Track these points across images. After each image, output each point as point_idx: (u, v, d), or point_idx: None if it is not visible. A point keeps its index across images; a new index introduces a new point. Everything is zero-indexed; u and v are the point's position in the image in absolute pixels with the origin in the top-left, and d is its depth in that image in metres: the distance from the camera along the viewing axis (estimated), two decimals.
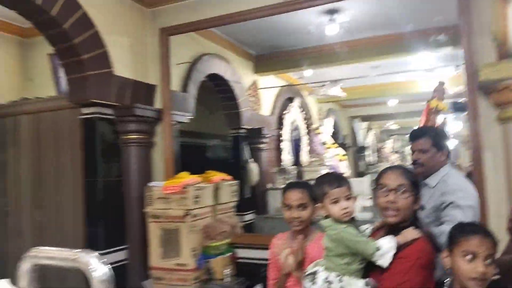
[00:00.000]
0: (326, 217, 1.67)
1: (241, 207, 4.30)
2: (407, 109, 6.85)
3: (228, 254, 3.31)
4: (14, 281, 1.11)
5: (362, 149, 7.94)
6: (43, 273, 1.14)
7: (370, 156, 8.22)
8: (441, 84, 3.40)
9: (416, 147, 2.27)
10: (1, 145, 3.91)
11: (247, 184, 4.96)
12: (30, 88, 4.42)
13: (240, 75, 4.96)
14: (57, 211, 3.54)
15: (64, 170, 3.55)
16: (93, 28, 3.23)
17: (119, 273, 3.35)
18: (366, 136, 8.34)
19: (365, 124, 8.29)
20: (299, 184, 2.06)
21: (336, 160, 6.14)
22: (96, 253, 1.04)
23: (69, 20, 3.05)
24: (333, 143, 6.35)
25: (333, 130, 6.73)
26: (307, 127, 6.49)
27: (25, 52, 4.53)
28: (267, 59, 5.27)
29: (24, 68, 4.52)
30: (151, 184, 3.43)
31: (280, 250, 1.97)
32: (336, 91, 6.05)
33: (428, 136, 2.25)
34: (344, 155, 6.28)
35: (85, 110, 3.36)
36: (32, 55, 4.48)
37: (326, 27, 4.08)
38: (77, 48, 3.15)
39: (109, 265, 2.98)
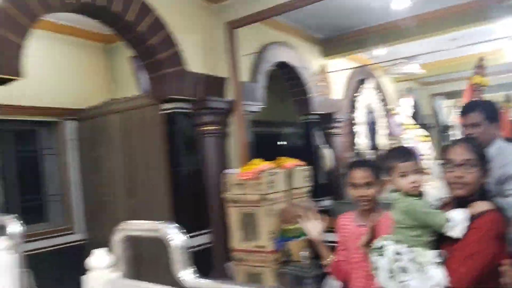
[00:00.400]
0: (394, 191, 1.66)
1: (317, 192, 4.31)
2: (495, 81, 6.28)
3: (305, 237, 3.37)
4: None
5: (446, 128, 7.44)
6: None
7: (457, 136, 7.67)
8: (481, 59, 3.14)
9: (468, 122, 2.18)
10: (96, 143, 4.39)
11: (321, 170, 4.96)
12: (116, 90, 4.86)
13: (308, 60, 4.95)
14: (147, 199, 3.89)
15: (151, 161, 3.89)
16: (166, 29, 3.48)
17: (204, 255, 3.61)
18: (451, 114, 7.79)
19: (449, 102, 7.74)
20: (364, 162, 2.05)
21: (416, 141, 5.85)
22: (175, 224, 1.18)
23: (144, 24, 3.33)
24: (413, 124, 6.05)
25: (413, 110, 6.40)
26: (383, 109, 6.26)
27: (110, 57, 4.99)
28: (335, 41, 5.17)
29: (110, 72, 4.98)
30: (227, 171, 3.61)
31: (345, 229, 2.01)
32: (412, 68, 5.76)
33: (480, 110, 2.17)
34: (426, 135, 5.96)
35: (165, 106, 3.65)
36: (116, 59, 4.92)
37: (394, 1, 3.92)
38: (153, 49, 3.43)
39: (195, 247, 3.20)
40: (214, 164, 3.74)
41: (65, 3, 2.83)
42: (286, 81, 4.89)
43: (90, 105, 4.47)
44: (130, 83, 4.40)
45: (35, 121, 4.39)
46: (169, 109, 3.63)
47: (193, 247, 3.52)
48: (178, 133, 3.66)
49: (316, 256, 3.29)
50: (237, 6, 3.80)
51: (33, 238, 3.78)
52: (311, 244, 3.33)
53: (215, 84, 3.83)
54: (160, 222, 1.20)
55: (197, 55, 3.74)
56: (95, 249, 1.28)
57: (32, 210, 4.20)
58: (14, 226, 1.68)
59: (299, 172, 3.78)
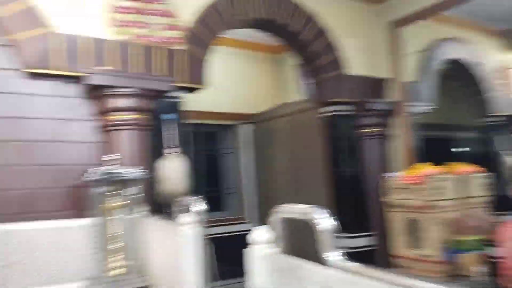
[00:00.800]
0: None
1: (502, 205, 3.78)
2: None
3: (480, 252, 3.02)
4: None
5: None
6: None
7: None
8: None
9: None
10: (267, 144, 4.84)
11: (506, 180, 4.32)
12: (285, 96, 5.25)
13: (486, 55, 4.40)
14: (310, 197, 4.07)
15: (313, 162, 4.08)
16: (328, 35, 3.63)
17: (366, 257, 3.58)
18: None
19: None
20: None
21: None
22: (324, 210, 1.28)
23: (308, 32, 3.54)
24: None
25: None
26: None
27: (278, 66, 5.42)
28: None
29: (279, 80, 5.41)
30: (388, 174, 3.52)
31: None
32: None
33: None
34: None
35: (326, 109, 3.79)
36: (284, 67, 5.32)
37: None
38: (315, 55, 3.62)
39: (356, 248, 3.23)
40: (375, 167, 3.69)
41: (239, 20, 3.25)
42: (460, 79, 4.45)
43: (262, 110, 4.95)
44: (295, 89, 4.70)
45: (219, 124, 5.13)
46: (329, 112, 3.76)
47: (354, 248, 3.54)
48: (338, 135, 3.76)
49: (493, 273, 2.92)
50: (401, 4, 3.69)
51: (212, 224, 4.41)
52: (488, 260, 2.97)
53: (376, 86, 3.79)
54: (309, 206, 1.32)
55: (358, 58, 3.77)
56: (258, 226, 1.48)
57: (214, 200, 4.89)
58: (199, 205, 2.05)
59: (476, 179, 3.41)
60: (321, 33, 3.60)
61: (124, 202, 2.35)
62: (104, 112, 2.66)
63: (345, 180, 3.73)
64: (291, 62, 4.48)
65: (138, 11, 2.81)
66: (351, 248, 3.53)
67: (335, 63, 3.66)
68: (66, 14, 2.58)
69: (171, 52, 2.90)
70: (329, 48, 3.64)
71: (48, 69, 2.51)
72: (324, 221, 1.24)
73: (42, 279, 2.24)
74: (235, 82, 5.05)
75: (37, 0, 2.50)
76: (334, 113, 3.74)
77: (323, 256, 1.20)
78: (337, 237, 3.50)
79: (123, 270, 2.27)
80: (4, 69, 2.48)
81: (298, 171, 4.32)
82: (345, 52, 3.68)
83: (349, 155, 3.76)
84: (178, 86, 2.92)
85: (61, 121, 2.61)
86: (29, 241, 2.24)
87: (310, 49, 3.60)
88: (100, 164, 2.43)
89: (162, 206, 2.64)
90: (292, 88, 4.88)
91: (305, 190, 4.20)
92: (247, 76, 5.19)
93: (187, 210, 2.09)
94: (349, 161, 3.75)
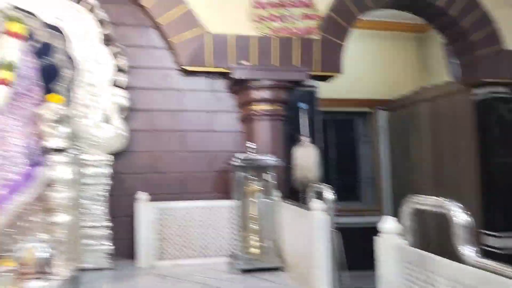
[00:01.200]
0: None
1: None
2: None
3: None
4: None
5: None
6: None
7: None
8: None
9: None
10: (405, 131, 4.56)
11: None
12: (428, 78, 4.85)
13: None
14: (455, 189, 3.71)
15: (460, 151, 3.71)
16: (480, 7, 3.22)
17: None
18: None
19: None
20: None
21: None
22: (454, 203, 1.21)
23: (456, 7, 3.20)
24: None
25: None
26: None
27: (421, 46, 5.02)
28: None
29: (421, 61, 5.02)
30: None
31: None
32: None
33: None
34: None
35: (478, 91, 3.40)
36: (428, 47, 4.90)
37: None
38: (465, 31, 3.25)
39: (507, 250, 2.87)
40: None
41: (378, 1, 3.12)
42: None
43: (401, 94, 4.68)
44: (442, 71, 4.31)
45: (355, 112, 5.04)
46: (482, 94, 3.37)
47: (503, 248, 3.15)
48: (493, 120, 3.34)
49: None
50: None
51: (346, 214, 4.37)
52: None
53: None
54: (445, 199, 1.26)
55: None
56: (387, 216, 1.47)
57: (346, 189, 4.85)
58: (329, 193, 2.10)
59: None
60: (472, 5, 3.22)
61: (262, 187, 2.55)
62: (245, 103, 2.89)
63: (501, 173, 3.31)
64: (437, 41, 4.10)
65: (277, 5, 2.94)
66: (498, 248, 3.14)
67: (491, 38, 3.24)
68: (214, 14, 2.87)
69: (308, 42, 2.97)
70: (483, 21, 3.23)
71: (202, 67, 2.84)
72: (460, 214, 1.17)
73: (190, 253, 2.59)
74: (372, 66, 4.88)
75: (191, 5, 2.84)
76: (489, 95, 3.33)
77: (458, 251, 1.14)
78: (482, 234, 3.16)
79: (260, 250, 2.47)
80: (166, 68, 2.91)
81: (441, 161, 3.98)
82: (501, 25, 3.23)
83: (508, 144, 3.32)
84: (314, 75, 2.98)
85: (211, 113, 2.94)
86: (182, 218, 2.60)
87: (458, 25, 3.25)
88: (243, 151, 2.68)
89: (296, 192, 2.77)
90: (438, 69, 4.47)
91: (447, 182, 3.85)
92: (385, 58, 4.95)
93: (318, 197, 2.16)
94: (506, 151, 3.32)
